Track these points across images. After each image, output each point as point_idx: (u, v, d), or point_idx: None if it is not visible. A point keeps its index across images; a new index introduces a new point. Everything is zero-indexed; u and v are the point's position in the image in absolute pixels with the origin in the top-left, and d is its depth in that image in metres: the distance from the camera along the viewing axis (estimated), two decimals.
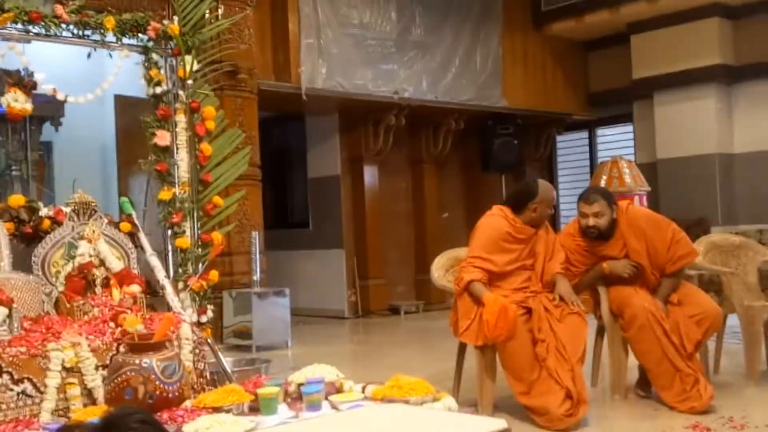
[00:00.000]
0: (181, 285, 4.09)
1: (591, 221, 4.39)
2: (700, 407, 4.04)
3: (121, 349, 3.20)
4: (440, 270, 4.75)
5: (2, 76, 4.52)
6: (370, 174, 9.77)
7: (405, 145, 10.20)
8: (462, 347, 4.48)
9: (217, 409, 2.92)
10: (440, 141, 10.25)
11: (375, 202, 9.81)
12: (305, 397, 3.06)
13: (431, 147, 10.29)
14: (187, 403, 3.04)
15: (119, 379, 2.88)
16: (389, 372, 3.50)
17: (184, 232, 4.23)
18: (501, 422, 2.54)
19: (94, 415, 2.46)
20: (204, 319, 4.07)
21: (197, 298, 4.10)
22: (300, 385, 3.17)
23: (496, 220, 4.38)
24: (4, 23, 3.84)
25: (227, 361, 4.36)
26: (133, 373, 2.87)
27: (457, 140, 10.45)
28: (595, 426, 3.98)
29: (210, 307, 4.07)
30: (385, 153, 9.73)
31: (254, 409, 3.00)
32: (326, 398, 3.13)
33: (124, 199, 4.36)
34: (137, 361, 2.95)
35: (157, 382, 2.90)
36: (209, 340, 4.28)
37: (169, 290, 3.86)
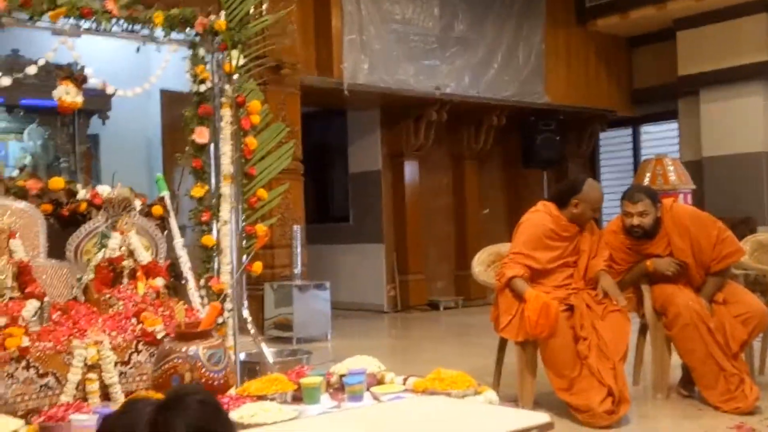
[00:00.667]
0: (203, 282, 4.14)
1: (636, 220, 4.35)
2: (745, 408, 3.99)
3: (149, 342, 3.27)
4: (481, 265, 4.75)
5: (54, 70, 4.61)
6: (410, 169, 9.78)
7: (446, 140, 10.19)
8: (502, 343, 4.48)
9: (261, 398, 2.98)
10: (481, 137, 10.21)
11: (415, 198, 9.82)
12: (347, 387, 3.09)
13: (472, 143, 10.26)
14: (232, 391, 3.10)
15: (166, 366, 2.94)
16: (428, 366, 3.51)
17: (210, 230, 4.27)
18: (544, 416, 2.54)
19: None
20: (220, 320, 4.10)
21: (216, 298, 4.13)
22: (342, 376, 3.20)
23: (539, 216, 4.36)
24: (56, 18, 3.92)
25: (269, 352, 4.43)
26: (179, 361, 2.93)
27: (499, 136, 10.41)
28: (636, 425, 3.94)
29: (228, 307, 4.10)
30: (426, 148, 9.73)
31: (297, 399, 3.05)
32: (368, 389, 3.16)
33: (160, 176, 4.42)
34: (184, 349, 3.01)
35: (203, 370, 2.95)
36: (252, 331, 4.34)
37: (191, 284, 3.93)
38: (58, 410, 2.73)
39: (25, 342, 3.05)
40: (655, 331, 4.42)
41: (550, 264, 4.27)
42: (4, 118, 7.75)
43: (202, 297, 3.99)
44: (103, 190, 4.14)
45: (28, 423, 2.73)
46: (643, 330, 4.70)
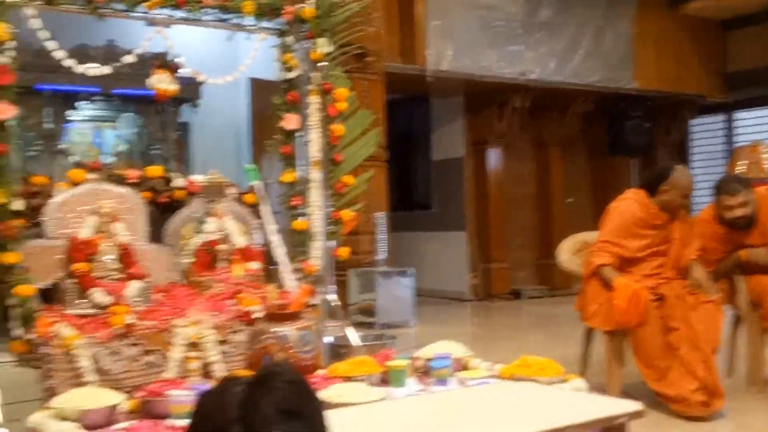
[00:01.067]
0: (296, 265, 4.22)
1: (739, 212, 4.22)
2: None
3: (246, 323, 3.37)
4: (567, 253, 4.69)
5: (147, 59, 4.76)
6: (494, 156, 9.71)
7: (530, 127, 10.05)
8: (588, 332, 4.42)
9: (348, 379, 3.02)
10: (566, 123, 10.04)
11: (498, 185, 9.74)
12: (433, 371, 3.11)
13: (557, 129, 10.10)
14: (320, 372, 3.15)
15: (258, 346, 3.03)
16: (511, 355, 3.49)
17: (302, 214, 4.34)
18: (635, 404, 2.50)
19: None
20: (314, 301, 4.16)
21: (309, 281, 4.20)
22: (428, 360, 3.22)
23: (628, 204, 4.27)
24: (153, 7, 4.05)
25: (355, 336, 4.49)
26: (271, 341, 3.01)
27: (584, 123, 10.21)
28: (728, 418, 3.84)
29: (320, 289, 4.17)
30: (510, 135, 9.64)
31: (384, 381, 3.08)
32: (453, 374, 3.17)
33: (250, 166, 4.52)
34: (275, 330, 3.08)
35: (293, 351, 3.02)
36: (339, 315, 4.41)
37: (285, 267, 4.01)
38: (158, 386, 2.85)
39: (130, 320, 3.19)
40: (750, 323, 4.28)
41: (640, 252, 4.18)
42: (101, 106, 8.05)
43: (295, 279, 4.07)
44: (197, 178, 4.26)
45: (130, 398, 2.85)
46: (735, 322, 4.55)
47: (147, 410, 2.74)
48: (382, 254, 7.47)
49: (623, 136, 10.17)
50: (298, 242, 4.26)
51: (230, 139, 9.04)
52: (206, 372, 3.23)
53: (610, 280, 4.00)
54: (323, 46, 4.45)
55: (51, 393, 2.93)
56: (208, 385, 2.88)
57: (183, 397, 2.70)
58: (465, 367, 3.34)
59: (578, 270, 4.47)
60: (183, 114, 8.47)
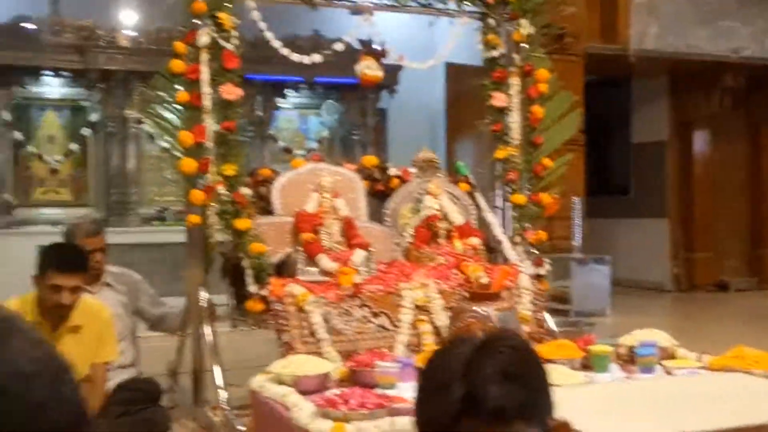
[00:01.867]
0: (518, 239, 4.23)
1: None
2: None
3: (462, 296, 3.43)
4: None
5: (350, 47, 4.93)
6: (700, 139, 9.18)
7: (743, 108, 9.39)
8: None
9: (549, 362, 3.01)
10: None
11: (705, 170, 9.21)
12: (639, 359, 3.03)
13: None
14: None
15: (460, 324, 3.09)
16: (717, 348, 3.30)
17: (519, 189, 4.35)
18: None
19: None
20: (542, 271, 4.16)
21: (534, 252, 4.21)
22: (632, 347, 3.14)
23: None
24: None
25: (551, 320, 4.44)
26: (473, 320, 3.07)
27: None
28: None
29: (546, 260, 4.16)
30: (720, 117, 9.06)
31: (585, 366, 3.04)
32: (659, 363, 3.07)
33: (460, 163, 4.60)
34: (477, 309, 3.13)
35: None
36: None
37: (506, 244, 4.02)
38: (367, 357, 2.99)
39: (357, 279, 3.36)
40: None
41: None
42: (305, 94, 8.48)
43: (523, 252, 4.10)
44: (413, 168, 4.39)
45: (341, 367, 3.02)
46: None
47: (355, 379, 2.89)
48: (577, 240, 7.32)
49: None
50: (520, 216, 4.28)
51: (425, 124, 9.18)
52: (438, 335, 3.31)
53: None
54: (525, 27, 4.42)
55: (287, 349, 3.16)
56: (413, 359, 2.98)
57: (390, 369, 2.82)
58: (671, 357, 3.22)
59: None
60: (381, 100, 8.72)
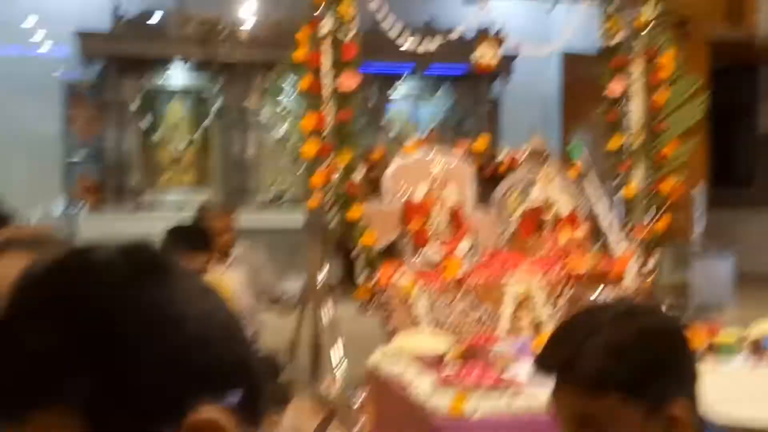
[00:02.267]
0: (628, 232, 4.15)
1: None
2: None
3: (571, 285, 3.40)
4: None
5: (464, 36, 4.92)
6: None
7: None
8: None
9: None
10: None
11: None
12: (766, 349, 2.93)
13: None
14: None
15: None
16: None
17: (630, 181, 4.26)
18: None
19: None
20: (647, 267, 4.07)
21: (643, 247, 4.12)
22: (760, 337, 3.04)
23: None
24: None
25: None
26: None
27: None
28: None
29: (658, 253, 4.07)
30: None
31: (709, 354, 2.96)
32: None
33: (576, 143, 4.52)
34: (590, 297, 3.11)
35: None
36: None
37: (613, 236, 3.95)
38: (483, 338, 3.02)
39: (462, 272, 3.41)
40: None
41: None
42: (417, 83, 8.54)
43: (623, 245, 4.04)
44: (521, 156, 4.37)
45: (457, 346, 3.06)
46: None
47: (472, 358, 2.92)
48: (698, 231, 7.07)
49: None
50: (629, 208, 4.21)
51: (538, 113, 9.06)
52: (536, 330, 3.33)
53: None
54: (647, 12, 4.32)
55: (391, 334, 3.24)
56: (527, 341, 2.99)
57: (504, 350, 2.84)
58: None
59: None
60: (494, 89, 8.67)
